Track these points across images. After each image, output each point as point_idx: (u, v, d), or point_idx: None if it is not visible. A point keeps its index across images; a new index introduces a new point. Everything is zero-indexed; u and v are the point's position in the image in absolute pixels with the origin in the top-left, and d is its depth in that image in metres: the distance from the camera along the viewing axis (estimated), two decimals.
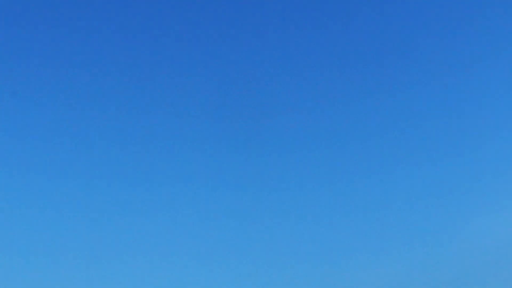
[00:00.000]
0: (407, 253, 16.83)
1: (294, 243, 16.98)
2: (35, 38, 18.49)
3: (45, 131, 17.93)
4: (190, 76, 18.66)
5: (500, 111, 18.55)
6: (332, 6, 19.03)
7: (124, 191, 17.45)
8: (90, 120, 18.06)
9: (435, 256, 16.79)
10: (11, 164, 17.44)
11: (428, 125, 18.38)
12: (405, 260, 16.75)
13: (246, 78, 18.65)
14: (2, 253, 16.46)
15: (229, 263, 16.72)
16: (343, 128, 18.45)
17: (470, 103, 18.68)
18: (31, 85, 18.27)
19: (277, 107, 18.45)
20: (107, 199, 17.27)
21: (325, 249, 16.97)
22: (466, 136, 18.38)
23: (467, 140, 18.28)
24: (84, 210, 17.20)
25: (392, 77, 18.70)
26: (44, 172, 17.50)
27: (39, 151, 17.71)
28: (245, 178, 17.82)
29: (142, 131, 18.12)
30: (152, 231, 16.89)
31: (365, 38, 18.87)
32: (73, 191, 17.35)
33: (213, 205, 17.44)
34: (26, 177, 17.42)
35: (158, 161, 17.77)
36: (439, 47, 18.70)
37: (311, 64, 18.73)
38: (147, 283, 16.21)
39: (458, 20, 18.94)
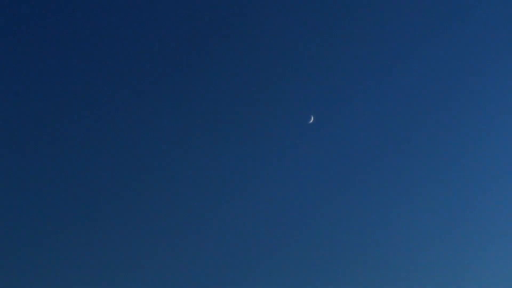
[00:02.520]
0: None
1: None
2: (35, 38, 18.57)
3: (45, 131, 18.01)
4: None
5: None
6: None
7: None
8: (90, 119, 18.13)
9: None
10: (11, 164, 17.53)
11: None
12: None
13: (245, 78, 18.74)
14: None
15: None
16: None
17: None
18: (32, 85, 18.36)
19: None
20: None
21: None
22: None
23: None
24: (86, 209, 17.30)
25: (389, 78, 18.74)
26: (44, 171, 17.59)
27: (40, 151, 17.80)
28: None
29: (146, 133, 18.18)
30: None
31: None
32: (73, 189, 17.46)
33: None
34: (26, 177, 17.51)
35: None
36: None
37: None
38: None
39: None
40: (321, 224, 17.48)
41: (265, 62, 18.87)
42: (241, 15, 18.99)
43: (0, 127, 17.79)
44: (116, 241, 17.06)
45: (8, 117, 17.89)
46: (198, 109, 18.34)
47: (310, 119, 18.11)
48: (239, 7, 19.08)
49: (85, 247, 16.98)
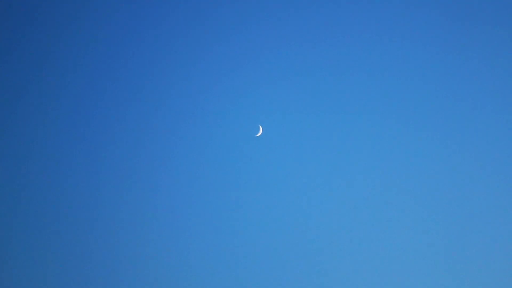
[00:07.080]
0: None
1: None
2: (36, 38, 18.68)
3: (46, 131, 18.11)
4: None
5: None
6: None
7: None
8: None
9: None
10: (11, 165, 17.63)
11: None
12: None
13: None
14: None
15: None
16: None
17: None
18: (32, 86, 18.47)
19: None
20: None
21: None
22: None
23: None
24: (84, 209, 17.39)
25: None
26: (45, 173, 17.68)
27: (40, 152, 17.90)
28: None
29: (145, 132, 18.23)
30: None
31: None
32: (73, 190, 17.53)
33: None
34: (27, 177, 17.61)
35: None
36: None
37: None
38: None
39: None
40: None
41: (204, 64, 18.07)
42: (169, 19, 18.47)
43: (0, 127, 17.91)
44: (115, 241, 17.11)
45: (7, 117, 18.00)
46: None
47: (258, 131, 16.36)
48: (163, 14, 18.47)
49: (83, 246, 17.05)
